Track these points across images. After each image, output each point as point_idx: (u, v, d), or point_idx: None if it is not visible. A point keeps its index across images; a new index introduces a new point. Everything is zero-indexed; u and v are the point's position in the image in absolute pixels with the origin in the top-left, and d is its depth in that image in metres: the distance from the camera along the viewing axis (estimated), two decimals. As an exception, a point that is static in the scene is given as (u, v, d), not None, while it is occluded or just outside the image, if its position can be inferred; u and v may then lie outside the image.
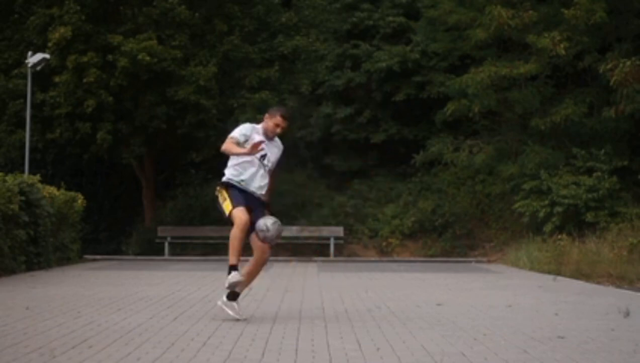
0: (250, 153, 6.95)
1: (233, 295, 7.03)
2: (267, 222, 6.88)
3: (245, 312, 7.58)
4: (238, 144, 7.00)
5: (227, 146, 7.05)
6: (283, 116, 7.16)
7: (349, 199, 22.30)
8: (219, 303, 7.14)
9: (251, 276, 7.14)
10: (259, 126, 7.23)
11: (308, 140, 23.93)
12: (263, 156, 7.08)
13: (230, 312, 6.96)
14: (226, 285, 6.90)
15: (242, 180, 7.03)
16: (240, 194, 6.99)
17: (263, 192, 7.14)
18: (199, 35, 21.63)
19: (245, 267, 7.05)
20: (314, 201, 22.53)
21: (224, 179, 7.14)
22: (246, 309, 7.82)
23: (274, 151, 7.24)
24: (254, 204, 7.02)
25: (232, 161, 7.16)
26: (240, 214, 6.81)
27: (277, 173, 7.39)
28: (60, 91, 20.05)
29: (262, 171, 7.10)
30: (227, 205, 6.95)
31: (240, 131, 7.12)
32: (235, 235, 6.80)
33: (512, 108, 19.39)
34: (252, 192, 7.04)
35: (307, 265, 17.04)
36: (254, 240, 6.97)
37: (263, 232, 6.88)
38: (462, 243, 20.62)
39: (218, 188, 7.13)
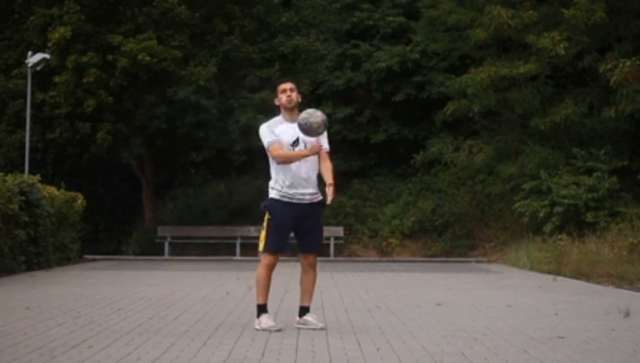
0: (313, 152, 6.36)
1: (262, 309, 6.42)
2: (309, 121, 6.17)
3: (245, 313, 7.59)
4: (281, 144, 6.38)
5: (281, 153, 6.35)
6: (282, 84, 6.59)
7: (349, 199, 22.28)
8: (257, 327, 6.39)
9: (309, 293, 6.59)
10: (276, 118, 6.57)
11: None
12: (295, 142, 6.43)
13: (269, 325, 6.34)
14: (257, 327, 6.35)
15: (286, 191, 6.35)
16: (284, 223, 6.33)
17: (315, 185, 6.45)
18: (199, 35, 21.64)
19: (301, 290, 6.62)
20: (314, 201, 22.52)
21: (270, 196, 6.43)
22: (247, 309, 7.83)
23: None
24: (306, 222, 6.39)
25: (273, 170, 6.47)
26: (267, 260, 6.35)
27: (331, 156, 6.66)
28: (60, 91, 20.06)
29: (302, 161, 6.39)
30: (262, 239, 6.36)
31: (267, 134, 6.44)
32: (261, 274, 6.38)
33: (512, 108, 19.38)
34: (300, 198, 6.37)
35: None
36: (302, 261, 6.54)
37: (308, 126, 6.15)
38: (462, 243, 20.61)
39: (264, 211, 6.42)
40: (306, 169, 6.41)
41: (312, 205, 6.43)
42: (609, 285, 12.13)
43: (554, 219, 17.23)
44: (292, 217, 6.35)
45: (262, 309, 6.40)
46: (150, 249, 21.09)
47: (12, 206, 12.70)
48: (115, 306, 8.07)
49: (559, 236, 16.10)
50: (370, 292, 9.99)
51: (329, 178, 6.42)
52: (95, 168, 24.60)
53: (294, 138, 6.42)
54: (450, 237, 20.64)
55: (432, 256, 20.05)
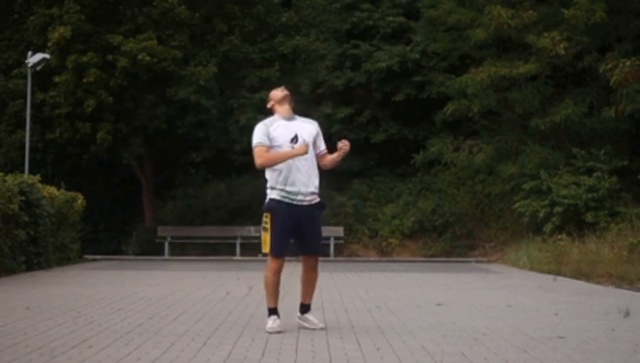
0: (301, 152, 6.21)
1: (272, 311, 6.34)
2: None
3: (245, 313, 7.58)
4: (268, 149, 6.28)
5: (263, 159, 6.24)
6: (283, 88, 6.60)
7: (349, 199, 22.29)
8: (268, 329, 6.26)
9: (310, 292, 6.53)
10: (272, 117, 6.47)
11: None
12: (294, 139, 6.31)
13: (272, 327, 6.25)
14: (267, 330, 6.24)
15: (287, 192, 6.23)
16: (286, 226, 6.20)
17: (316, 184, 6.35)
18: (199, 35, 21.65)
19: (302, 289, 6.55)
20: (314, 201, 22.51)
21: (270, 197, 6.30)
22: (247, 309, 7.82)
23: (304, 127, 6.44)
24: (305, 225, 6.27)
25: (268, 171, 6.34)
26: (275, 264, 6.24)
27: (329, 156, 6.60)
28: (60, 91, 20.06)
29: (301, 160, 6.27)
30: (266, 242, 6.24)
31: (259, 135, 6.30)
32: (269, 279, 6.30)
33: (512, 108, 19.38)
34: (301, 200, 6.25)
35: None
36: (304, 263, 6.43)
37: None
38: (462, 243, 20.61)
39: (264, 213, 6.27)
40: (307, 168, 6.33)
41: (310, 207, 6.33)
42: (609, 285, 12.13)
43: (554, 219, 17.23)
44: (293, 219, 6.25)
45: (271, 312, 6.33)
46: (150, 249, 21.09)
47: (12, 206, 12.70)
48: (115, 306, 8.07)
49: (559, 236, 16.10)
50: (370, 292, 9.99)
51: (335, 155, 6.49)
52: (95, 168, 24.61)
53: (292, 135, 6.34)
54: (450, 237, 20.63)
55: (432, 256, 20.04)
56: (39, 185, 14.62)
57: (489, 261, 18.53)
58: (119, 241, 23.47)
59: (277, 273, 6.29)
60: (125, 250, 22.37)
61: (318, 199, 6.41)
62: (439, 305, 8.43)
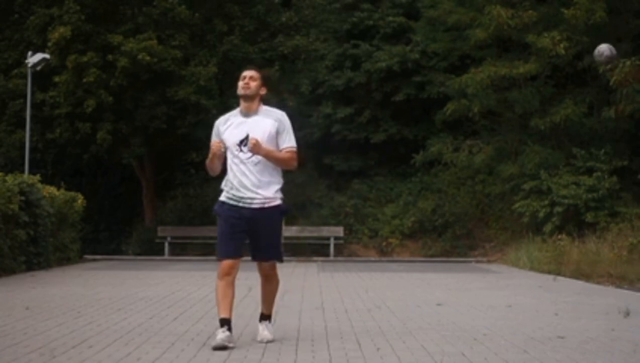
0: (215, 154, 5.78)
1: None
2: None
3: (245, 313, 7.59)
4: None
5: (207, 164, 5.99)
6: (244, 71, 5.86)
7: (349, 199, 22.29)
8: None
9: (267, 301, 6.01)
10: (233, 111, 5.97)
11: (308, 140, 23.93)
12: (243, 141, 5.72)
13: (218, 339, 5.51)
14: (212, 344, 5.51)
15: (232, 195, 5.71)
16: (231, 227, 5.64)
17: (274, 189, 5.73)
18: (199, 35, 21.64)
19: (260, 297, 6.13)
20: (314, 201, 22.54)
21: (220, 198, 5.85)
22: (246, 309, 7.83)
23: (261, 125, 5.73)
24: (256, 228, 5.67)
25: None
26: (221, 267, 5.65)
27: (301, 155, 5.97)
28: (60, 91, 20.05)
29: (248, 164, 5.71)
30: (218, 246, 5.81)
31: (212, 135, 5.99)
32: (216, 284, 5.71)
33: (512, 108, 19.39)
34: (249, 202, 5.67)
35: (307, 265, 17.04)
36: (258, 268, 5.94)
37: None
38: (462, 243, 20.61)
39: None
40: (258, 171, 5.70)
41: (263, 210, 5.67)
42: (609, 285, 12.13)
43: (554, 219, 17.23)
44: (239, 220, 5.64)
45: (221, 322, 5.53)
46: (150, 249, 21.09)
47: (12, 206, 12.70)
48: (115, 306, 8.07)
49: (559, 236, 16.10)
50: (370, 292, 9.99)
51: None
52: (95, 168, 24.59)
53: (242, 137, 5.72)
54: (450, 237, 20.63)
55: (432, 256, 20.04)
56: (39, 185, 14.61)
57: (489, 261, 18.53)
58: (119, 241, 23.46)
59: (223, 276, 5.62)
60: (125, 250, 22.37)
61: (276, 203, 5.74)
62: (439, 305, 8.43)
